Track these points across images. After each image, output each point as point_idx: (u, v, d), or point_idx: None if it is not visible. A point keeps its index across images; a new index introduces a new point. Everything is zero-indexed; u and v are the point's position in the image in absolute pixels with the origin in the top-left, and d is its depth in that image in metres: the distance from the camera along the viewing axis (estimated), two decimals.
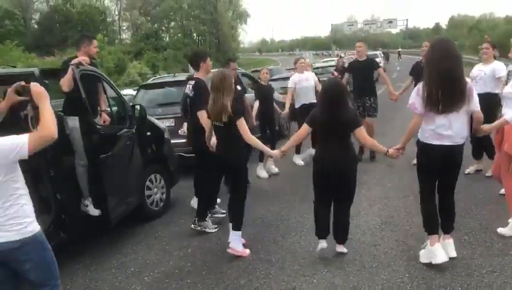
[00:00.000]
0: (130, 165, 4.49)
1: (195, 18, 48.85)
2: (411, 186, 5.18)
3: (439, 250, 3.21)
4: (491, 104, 4.58)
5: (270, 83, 7.07)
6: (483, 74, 5.09)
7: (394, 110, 9.58)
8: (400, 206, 4.63)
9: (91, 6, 44.15)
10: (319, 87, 6.96)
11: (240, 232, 3.80)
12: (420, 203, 3.41)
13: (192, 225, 4.43)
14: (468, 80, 3.20)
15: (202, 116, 4.13)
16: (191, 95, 4.43)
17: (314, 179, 3.55)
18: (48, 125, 2.37)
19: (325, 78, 8.80)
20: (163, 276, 3.63)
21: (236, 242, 3.79)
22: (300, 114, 6.74)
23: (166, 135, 5.42)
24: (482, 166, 5.42)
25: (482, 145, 5.20)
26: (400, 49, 48.78)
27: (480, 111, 3.19)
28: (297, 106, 6.82)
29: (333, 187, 3.46)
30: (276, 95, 7.94)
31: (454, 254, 3.30)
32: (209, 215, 4.55)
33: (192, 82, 4.45)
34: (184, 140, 6.33)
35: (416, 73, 6.15)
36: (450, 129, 3.07)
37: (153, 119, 5.29)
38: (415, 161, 5.97)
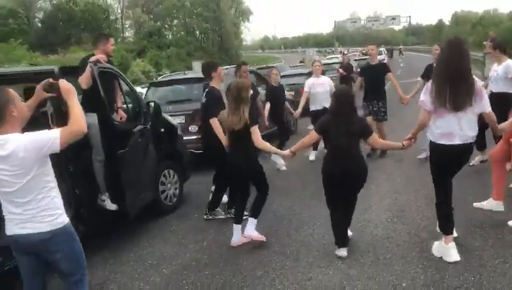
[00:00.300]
0: (145, 161, 4.58)
1: (198, 16, 48.79)
2: (420, 181, 5.28)
3: (454, 250, 3.30)
4: (503, 103, 4.67)
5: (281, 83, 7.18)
6: (496, 74, 5.19)
7: (402, 109, 9.64)
8: (411, 201, 4.71)
9: (94, 5, 44.16)
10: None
11: (255, 220, 3.96)
12: (436, 204, 3.47)
13: (205, 216, 4.68)
14: (477, 79, 3.26)
15: (214, 123, 4.32)
16: (204, 102, 4.62)
17: (325, 186, 3.61)
18: (78, 120, 2.46)
19: (330, 76, 8.90)
20: (181, 268, 3.73)
21: (251, 228, 3.94)
22: (312, 119, 6.83)
23: (179, 132, 5.51)
24: (486, 157, 5.48)
25: (484, 136, 5.26)
26: (401, 46, 48.68)
27: (491, 111, 3.26)
28: (311, 109, 6.92)
29: (344, 192, 3.54)
30: (287, 94, 8.07)
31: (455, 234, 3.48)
32: (211, 216, 4.75)
33: (207, 90, 4.68)
34: (194, 137, 6.49)
35: (428, 76, 6.20)
36: (459, 128, 3.14)
37: (166, 115, 5.38)
38: (420, 156, 6.16)
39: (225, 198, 4.91)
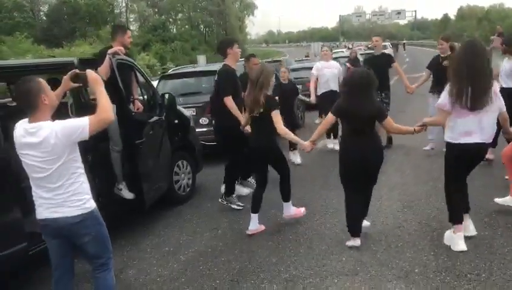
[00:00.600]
0: (161, 151, 4.69)
1: (203, 9, 48.73)
2: (429, 172, 5.37)
3: (461, 240, 3.40)
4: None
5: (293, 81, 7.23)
6: (503, 70, 5.25)
7: (409, 104, 9.71)
8: (420, 192, 4.80)
9: None
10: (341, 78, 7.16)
11: (290, 203, 4.17)
12: (446, 195, 3.57)
13: (220, 199, 4.81)
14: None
15: (228, 102, 4.33)
16: (217, 80, 4.61)
17: (341, 170, 3.65)
18: (106, 109, 2.56)
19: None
20: (197, 255, 3.84)
21: (287, 209, 4.16)
22: (320, 101, 6.92)
23: (191, 123, 5.61)
24: (492, 156, 5.53)
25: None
26: (404, 41, 48.43)
27: (505, 111, 3.37)
28: (318, 93, 7.00)
29: (361, 176, 3.57)
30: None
31: (474, 233, 3.52)
32: (225, 201, 4.83)
33: (220, 68, 4.67)
34: (205, 129, 6.58)
35: (435, 68, 6.27)
36: (479, 127, 3.24)
37: (180, 107, 5.47)
38: (426, 147, 6.28)
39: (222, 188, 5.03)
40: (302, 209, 4.24)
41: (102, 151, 4.19)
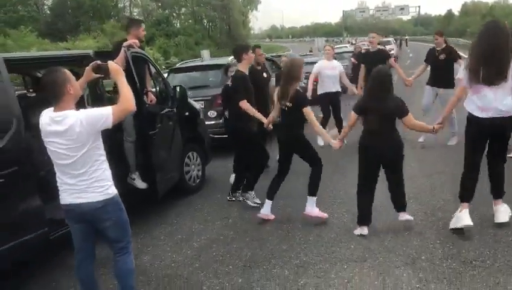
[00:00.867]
0: (172, 143, 4.80)
1: (206, 4, 48.58)
2: (434, 165, 5.48)
3: (465, 215, 3.53)
4: None
5: None
6: None
7: (412, 94, 9.78)
8: (425, 184, 4.90)
9: None
10: (344, 78, 7.23)
11: (315, 198, 4.13)
12: (463, 172, 3.69)
13: (232, 197, 4.82)
14: None
15: (245, 105, 4.45)
16: (230, 84, 4.72)
17: (360, 165, 3.74)
18: (128, 99, 2.67)
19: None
20: (209, 242, 3.97)
21: (311, 205, 4.13)
22: (320, 102, 6.99)
23: (201, 116, 5.72)
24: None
25: None
26: (406, 37, 48.23)
27: None
28: (319, 92, 7.07)
29: (378, 170, 3.71)
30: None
31: (505, 219, 3.60)
32: (242, 197, 4.82)
33: (233, 74, 4.75)
34: (213, 122, 6.69)
35: (431, 60, 6.64)
36: (494, 101, 3.34)
37: (190, 100, 5.57)
38: (420, 139, 6.41)
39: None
40: (325, 215, 4.15)
41: (116, 142, 4.30)
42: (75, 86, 2.64)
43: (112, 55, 4.24)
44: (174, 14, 50.62)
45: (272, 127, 4.48)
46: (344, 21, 57.67)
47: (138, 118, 4.27)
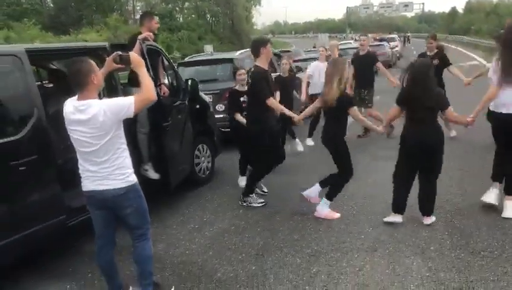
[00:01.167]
0: (184, 135, 4.88)
1: None
2: (447, 160, 5.52)
3: (493, 194, 3.91)
4: None
5: (294, 71, 7.27)
6: None
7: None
8: None
9: None
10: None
11: (329, 202, 4.12)
12: (494, 158, 4.00)
13: (240, 202, 4.67)
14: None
15: (271, 102, 4.27)
16: (249, 82, 4.58)
17: (400, 155, 3.80)
18: (149, 89, 2.74)
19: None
20: (221, 231, 4.06)
21: (323, 207, 4.11)
22: (310, 102, 7.02)
23: (211, 109, 5.80)
24: None
25: None
26: (409, 34, 48.06)
27: None
28: (310, 92, 7.09)
29: (422, 161, 3.68)
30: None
31: (493, 202, 3.92)
32: (245, 202, 4.65)
33: (252, 70, 4.50)
34: (221, 115, 6.75)
35: None
36: None
37: (200, 93, 5.65)
38: (452, 134, 6.46)
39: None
40: (337, 215, 4.12)
41: (130, 133, 4.37)
42: (99, 76, 2.71)
43: (127, 47, 4.34)
44: (177, 9, 50.50)
45: (302, 123, 4.47)
46: (348, 17, 57.56)
47: (152, 110, 4.34)
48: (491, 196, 3.94)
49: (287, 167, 5.87)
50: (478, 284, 2.84)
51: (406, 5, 51.91)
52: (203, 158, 5.47)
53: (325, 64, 6.95)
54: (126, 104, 2.65)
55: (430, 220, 3.81)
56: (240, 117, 5.07)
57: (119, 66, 3.07)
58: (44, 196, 3.35)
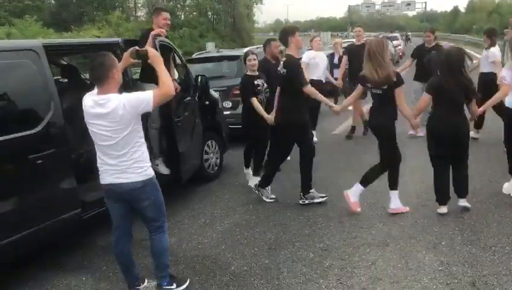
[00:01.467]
0: (194, 131, 4.92)
1: None
2: None
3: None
4: None
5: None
6: None
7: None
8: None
9: None
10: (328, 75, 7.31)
11: (396, 191, 4.05)
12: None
13: (254, 188, 4.71)
14: None
15: (310, 91, 4.22)
16: (282, 72, 4.31)
17: (431, 146, 3.90)
18: (167, 84, 2.78)
19: None
20: (233, 226, 4.10)
21: (393, 200, 4.05)
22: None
23: (220, 105, 5.83)
24: None
25: None
26: (409, 33, 47.97)
27: None
28: (310, 78, 7.07)
29: (452, 148, 3.81)
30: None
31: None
32: (306, 199, 4.47)
33: (284, 60, 4.34)
34: (228, 112, 6.78)
35: (418, 56, 7.04)
36: None
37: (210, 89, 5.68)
38: (411, 132, 6.57)
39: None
40: (407, 209, 4.06)
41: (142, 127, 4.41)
42: (119, 72, 2.75)
43: (139, 43, 4.37)
44: (179, 6, 50.43)
45: (338, 113, 4.44)
46: (349, 16, 57.49)
47: (163, 105, 4.35)
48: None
49: (295, 162, 5.93)
50: (491, 278, 2.88)
51: (408, 4, 51.72)
52: (212, 154, 5.50)
53: (319, 53, 7.03)
54: (145, 99, 2.68)
55: (465, 202, 3.94)
56: (256, 102, 4.78)
57: (136, 61, 3.12)
58: (61, 189, 3.39)
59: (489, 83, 5.77)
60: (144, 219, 2.97)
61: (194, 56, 8.23)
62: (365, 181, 4.11)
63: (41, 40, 3.44)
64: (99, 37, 20.11)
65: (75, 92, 4.29)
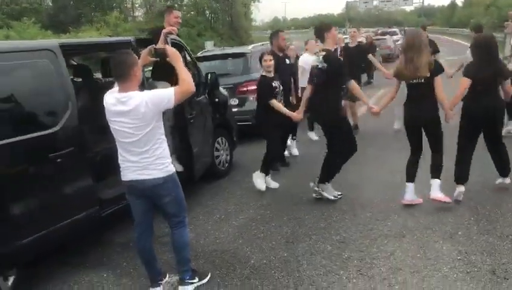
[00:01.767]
0: (205, 128, 4.96)
1: None
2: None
3: None
4: None
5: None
6: None
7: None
8: (451, 167, 5.02)
9: None
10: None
11: (438, 181, 3.93)
12: None
13: (315, 187, 4.42)
14: None
15: (354, 86, 4.30)
16: (321, 67, 4.15)
17: (462, 126, 4.04)
18: (188, 81, 2.80)
19: None
20: (248, 221, 4.13)
21: (434, 189, 3.94)
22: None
23: (229, 102, 5.86)
24: None
25: None
26: (405, 28, 47.94)
27: None
28: (301, 84, 7.00)
29: (487, 129, 4.01)
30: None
31: None
32: (318, 189, 4.43)
33: (323, 54, 4.20)
34: (235, 109, 6.81)
35: None
36: None
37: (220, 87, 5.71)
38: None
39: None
40: (448, 199, 3.94)
41: None
42: (140, 70, 2.79)
43: (151, 42, 4.39)
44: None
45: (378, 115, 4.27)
46: (347, 12, 57.45)
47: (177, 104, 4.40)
48: None
49: (307, 156, 5.98)
50: (511, 266, 2.92)
51: None
52: (222, 151, 5.54)
53: (312, 58, 6.82)
54: (167, 96, 2.72)
55: (508, 180, 4.17)
56: (277, 103, 4.70)
57: (154, 59, 3.15)
58: (80, 187, 3.42)
59: None
60: (165, 215, 3.00)
61: (199, 54, 8.24)
62: (435, 174, 3.99)
63: (57, 40, 3.46)
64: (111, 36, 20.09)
65: (89, 92, 4.34)
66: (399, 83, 4.08)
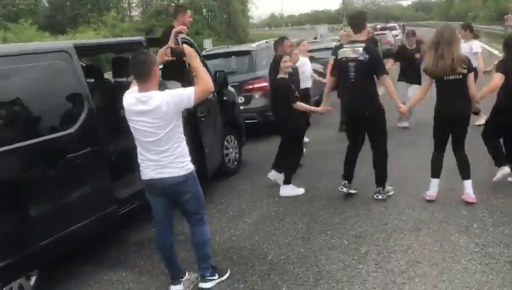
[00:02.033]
0: (216, 126, 4.97)
1: None
2: (473, 146, 5.58)
3: None
4: None
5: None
6: None
7: None
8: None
9: None
10: (314, 76, 6.89)
11: (470, 181, 3.92)
12: None
13: (379, 196, 4.25)
14: None
15: (387, 81, 4.05)
16: (362, 59, 3.96)
17: (493, 116, 4.27)
18: (207, 80, 2.83)
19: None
20: (262, 217, 4.16)
21: (467, 189, 3.93)
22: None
23: (237, 100, 5.88)
24: None
25: None
26: (404, 23, 47.94)
27: None
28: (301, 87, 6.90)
29: None
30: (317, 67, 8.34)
31: None
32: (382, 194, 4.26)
33: (362, 45, 4.00)
34: (241, 107, 6.81)
35: (403, 57, 7.08)
36: None
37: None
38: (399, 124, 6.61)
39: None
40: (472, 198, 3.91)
41: None
42: (158, 70, 2.80)
43: (161, 42, 4.40)
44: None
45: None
46: (344, 8, 57.49)
47: None
48: None
49: (317, 153, 5.99)
50: None
51: None
52: (231, 149, 5.56)
53: (306, 60, 6.47)
54: (187, 95, 2.74)
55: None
56: (300, 103, 4.56)
57: (171, 58, 3.17)
58: (97, 187, 3.43)
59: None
60: (185, 212, 3.03)
61: (204, 53, 8.24)
62: (467, 173, 3.98)
63: (72, 41, 3.47)
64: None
65: (101, 92, 4.35)
66: (431, 81, 3.91)
